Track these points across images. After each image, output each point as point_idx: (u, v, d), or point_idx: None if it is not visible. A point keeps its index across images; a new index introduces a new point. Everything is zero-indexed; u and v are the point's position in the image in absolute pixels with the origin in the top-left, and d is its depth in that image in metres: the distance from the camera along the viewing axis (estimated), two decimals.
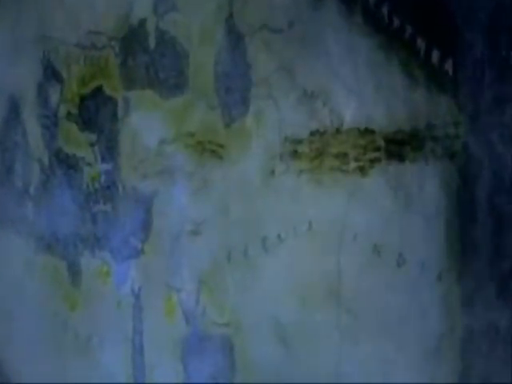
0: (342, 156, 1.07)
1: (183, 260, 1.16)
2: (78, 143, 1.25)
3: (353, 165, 1.06)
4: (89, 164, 1.24)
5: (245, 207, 1.14)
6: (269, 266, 1.10)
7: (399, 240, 0.98)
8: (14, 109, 1.31)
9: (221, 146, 1.17)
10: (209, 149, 1.19)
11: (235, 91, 1.13)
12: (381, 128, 1.01)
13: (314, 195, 1.07)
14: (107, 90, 1.20)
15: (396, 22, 0.93)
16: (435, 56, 0.92)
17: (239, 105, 1.14)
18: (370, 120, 1.03)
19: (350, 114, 1.06)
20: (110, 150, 1.22)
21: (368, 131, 1.05)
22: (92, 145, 1.24)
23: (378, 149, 1.04)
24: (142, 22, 1.15)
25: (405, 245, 0.98)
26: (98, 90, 1.21)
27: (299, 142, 1.10)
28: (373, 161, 1.05)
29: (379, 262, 1.04)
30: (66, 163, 1.26)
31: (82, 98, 1.23)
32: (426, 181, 0.99)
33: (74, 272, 1.27)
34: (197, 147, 1.21)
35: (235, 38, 1.07)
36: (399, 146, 1.08)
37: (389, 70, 0.99)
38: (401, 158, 1.07)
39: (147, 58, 1.15)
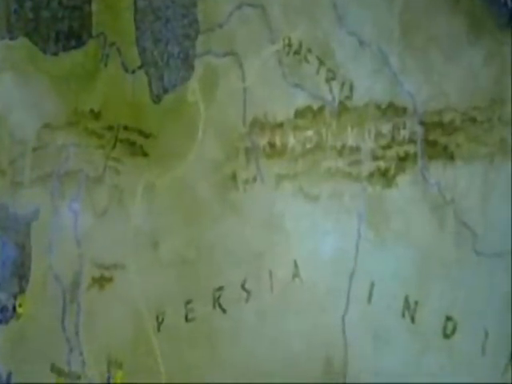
0: (350, 151, 1.02)
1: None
2: None
3: (368, 166, 1.02)
4: None
5: (185, 241, 1.16)
6: (229, 335, 1.12)
7: (451, 300, 0.95)
8: None
9: (146, 134, 1.19)
10: (126, 139, 1.21)
11: (170, 43, 1.13)
12: (416, 104, 0.97)
13: (303, 219, 1.07)
14: None
15: None
16: None
17: (176, 66, 1.14)
18: (399, 91, 0.98)
19: (363, 81, 1.01)
20: None
21: (395, 109, 0.99)
22: None
23: (411, 139, 0.97)
24: None
25: (460, 308, 0.95)
26: None
27: (278, 127, 1.09)
28: (403, 159, 0.98)
29: (415, 331, 0.98)
30: None
31: None
32: (494, 193, 0.94)
33: None
34: (105, 136, 1.23)
35: None
36: (447, 135, 0.95)
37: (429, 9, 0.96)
38: (448, 155, 0.95)
39: None
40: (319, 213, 1.07)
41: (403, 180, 1.00)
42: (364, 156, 1.03)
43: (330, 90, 1.05)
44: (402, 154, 1.00)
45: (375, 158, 1.02)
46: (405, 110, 1.00)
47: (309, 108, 1.07)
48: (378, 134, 1.02)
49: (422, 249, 0.98)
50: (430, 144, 0.99)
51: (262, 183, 1.11)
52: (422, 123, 0.98)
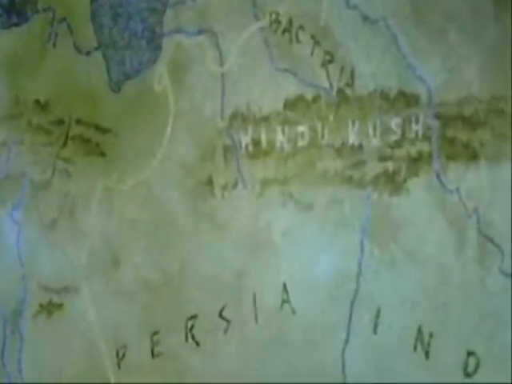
0: (351, 150, 1.00)
1: None
2: None
3: (373, 168, 1.00)
4: None
5: (151, 260, 1.14)
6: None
7: (473, 331, 0.94)
8: None
9: (104, 130, 1.16)
10: (79, 136, 1.19)
11: (132, 19, 1.11)
12: (431, 93, 0.95)
13: (295, 233, 1.03)
14: None
15: None
16: None
17: (140, 47, 1.11)
18: (410, 77, 0.97)
19: (367, 65, 0.99)
20: None
21: (405, 99, 0.97)
22: None
23: (425, 136, 0.95)
24: None
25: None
26: None
27: (263, 121, 1.06)
28: (415, 160, 0.96)
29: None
30: None
31: None
32: None
33: None
34: (54, 132, 1.21)
35: None
36: (469, 130, 0.93)
37: None
38: (470, 155, 0.93)
39: None
40: (314, 225, 1.05)
41: (415, 185, 0.98)
42: (368, 156, 1.01)
43: (327, 76, 1.03)
44: (414, 153, 0.98)
45: (381, 158, 1.00)
46: (417, 99, 0.98)
47: (301, 98, 1.05)
48: (385, 130, 1.00)
49: (437, 269, 0.97)
50: (448, 141, 0.97)
51: (244, 189, 1.09)
52: (438, 116, 0.96)
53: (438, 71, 0.95)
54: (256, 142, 1.06)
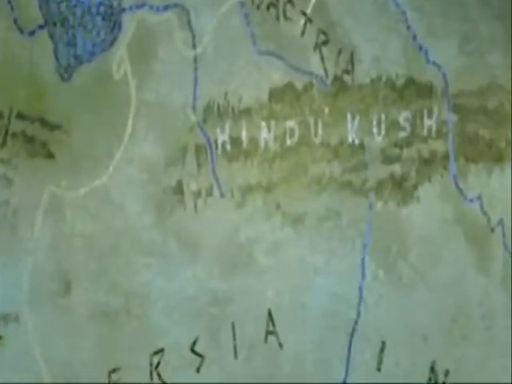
0: (351, 150, 1.01)
1: None
2: None
3: (377, 172, 1.01)
4: None
5: (108, 283, 1.10)
6: None
7: (497, 369, 0.96)
8: None
9: (51, 125, 1.12)
10: (22, 133, 1.14)
11: None
12: (448, 81, 0.97)
13: (282, 251, 1.04)
14: None
15: None
16: None
17: (95, 25, 1.10)
18: (421, 62, 0.98)
19: (370, 46, 1.00)
20: None
21: (416, 88, 0.99)
22: None
23: (440, 133, 0.97)
24: None
25: None
26: None
27: (244, 114, 1.05)
28: (427, 162, 0.99)
29: None
30: None
31: None
32: None
33: None
34: None
35: None
36: (493, 126, 0.96)
37: None
38: (495, 156, 0.97)
39: None
40: (305, 241, 1.04)
41: (428, 193, 1.00)
42: (370, 157, 1.02)
43: (321, 61, 1.02)
44: (426, 154, 1.00)
45: (387, 159, 1.01)
46: (430, 88, 0.99)
47: (289, 87, 1.05)
48: (392, 125, 1.01)
49: (455, 295, 0.98)
50: (468, 139, 1.00)
51: (220, 198, 1.08)
52: (455, 109, 0.99)
53: (455, 54, 0.98)
54: (235, 141, 1.06)
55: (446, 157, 0.96)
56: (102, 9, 1.08)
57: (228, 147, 1.07)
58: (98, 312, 1.10)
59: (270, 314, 1.06)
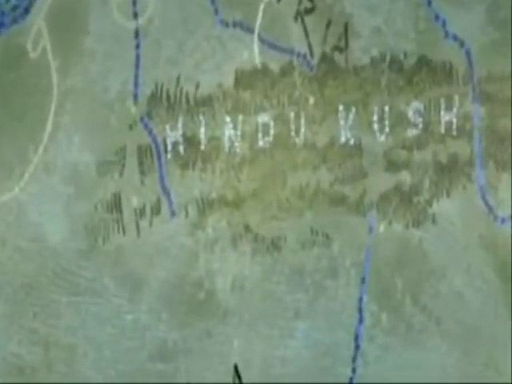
0: (344, 153, 0.97)
1: None
2: None
3: (379, 182, 0.96)
4: None
5: (24, 333, 1.05)
6: None
7: None
8: None
9: None
10: None
11: None
12: (472, 62, 0.92)
13: (252, 287, 1.00)
14: None
15: None
16: None
17: None
18: (438, 36, 0.93)
19: (368, 16, 0.95)
20: None
21: (430, 70, 0.93)
22: None
23: (463, 130, 0.92)
24: None
25: None
26: None
27: (202, 105, 1.00)
28: (447, 168, 0.94)
29: None
30: None
31: None
32: None
33: None
34: None
35: None
36: None
37: None
38: None
39: None
40: (283, 275, 1.00)
41: (446, 210, 0.96)
42: (370, 163, 0.97)
43: (305, 35, 0.98)
44: (443, 158, 0.94)
45: (392, 166, 0.97)
46: (449, 71, 0.94)
47: (262, 69, 1.01)
48: (398, 121, 0.96)
49: (481, 344, 0.94)
50: (500, 139, 0.93)
51: (171, 217, 1.03)
52: (483, 98, 0.93)
53: (481, 26, 0.93)
54: (191, 141, 1.01)
55: (470, 162, 0.92)
56: None
57: (181, 149, 1.03)
58: (9, 367, 1.06)
59: (236, 370, 1.02)
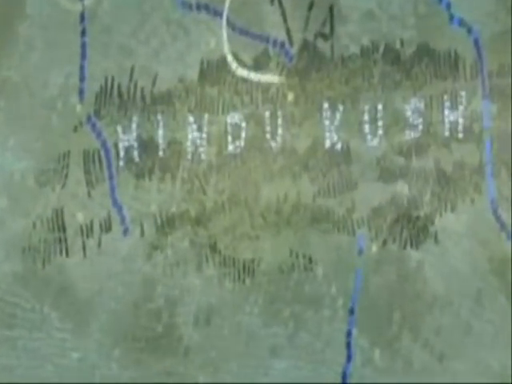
0: (330, 159, 0.95)
1: None
2: None
3: (371, 194, 0.95)
4: None
5: None
6: None
7: None
8: None
9: None
10: None
11: None
12: (480, 50, 0.91)
13: (220, 321, 0.98)
14: None
15: None
16: None
17: None
18: (440, 22, 0.92)
19: (360, 2, 0.94)
20: None
21: (431, 60, 0.92)
22: None
23: (471, 131, 0.92)
24: None
25: None
26: None
27: (160, 103, 0.98)
28: (451, 178, 0.94)
29: None
30: None
31: None
32: None
33: None
34: None
35: None
36: None
37: None
38: None
39: None
40: (257, 304, 0.95)
41: (451, 227, 0.92)
42: (361, 171, 0.93)
43: (283, 18, 0.94)
44: (448, 166, 0.91)
45: (387, 175, 0.93)
46: (455, 62, 0.91)
47: (233, 60, 0.96)
48: (394, 121, 0.93)
49: None
50: None
51: (124, 236, 0.97)
52: (494, 94, 0.90)
53: (492, 10, 0.89)
54: (147, 145, 0.97)
55: (479, 170, 0.88)
56: None
57: (135, 155, 0.98)
58: None
59: None
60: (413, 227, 0.90)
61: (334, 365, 0.93)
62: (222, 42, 0.94)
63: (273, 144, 0.93)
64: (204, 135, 0.95)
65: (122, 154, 0.97)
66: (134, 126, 0.96)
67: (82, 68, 0.97)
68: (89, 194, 0.97)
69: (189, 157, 0.95)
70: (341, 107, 0.91)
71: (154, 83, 0.96)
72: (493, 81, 0.88)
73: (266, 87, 0.94)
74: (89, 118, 0.97)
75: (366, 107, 0.90)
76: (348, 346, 0.92)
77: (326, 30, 0.91)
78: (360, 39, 0.90)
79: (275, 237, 0.93)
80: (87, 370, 0.98)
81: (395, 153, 0.90)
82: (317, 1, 0.92)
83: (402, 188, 0.90)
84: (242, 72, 0.97)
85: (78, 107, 0.97)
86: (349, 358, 0.92)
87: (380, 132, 0.90)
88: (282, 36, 0.93)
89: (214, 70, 0.95)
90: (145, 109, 0.97)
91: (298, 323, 0.93)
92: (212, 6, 0.95)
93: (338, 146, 0.91)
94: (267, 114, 0.93)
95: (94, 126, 0.97)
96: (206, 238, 0.95)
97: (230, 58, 0.95)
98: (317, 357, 0.93)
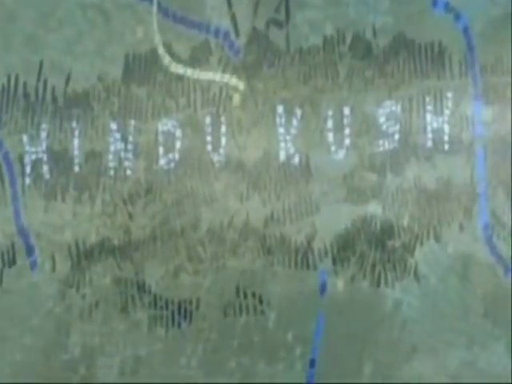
0: (286, 174, 0.89)
1: None
2: None
3: (335, 219, 0.88)
4: None
5: None
6: None
7: None
8: None
9: None
10: None
11: None
12: (471, 42, 0.87)
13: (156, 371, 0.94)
14: None
15: None
16: None
17: None
18: (423, 6, 0.87)
19: None
20: None
21: (410, 54, 0.87)
22: None
23: (459, 141, 0.89)
24: None
25: None
26: None
27: (75, 106, 0.89)
28: (435, 198, 0.88)
29: None
30: None
31: None
32: None
33: None
34: None
35: None
36: None
37: None
38: None
39: None
40: (195, 356, 0.87)
41: (435, 259, 0.85)
42: (324, 190, 0.84)
43: (228, 4, 0.86)
44: (430, 183, 0.84)
45: (356, 195, 0.84)
46: (440, 56, 0.84)
47: (165, 54, 0.86)
48: (365, 128, 0.84)
49: None
50: None
51: (31, 270, 0.87)
52: (488, 95, 0.82)
53: None
54: (59, 157, 0.87)
55: (469, 190, 0.81)
56: None
57: (45, 171, 0.88)
58: None
59: None
60: (388, 259, 0.80)
61: None
62: (151, 31, 0.84)
63: (215, 157, 0.83)
64: (130, 146, 0.85)
65: (28, 169, 0.86)
66: (43, 134, 0.87)
67: None
68: None
69: (111, 173, 0.85)
70: (298, 111, 0.82)
71: (67, 82, 0.86)
72: (487, 78, 0.78)
73: (206, 87, 0.84)
74: None
75: (330, 112, 0.81)
76: None
77: (281, 16, 0.82)
78: (322, 27, 0.81)
79: (218, 271, 0.83)
80: None
81: (366, 168, 0.81)
82: None
83: (375, 211, 0.81)
84: (176, 68, 0.85)
85: None
86: None
87: (347, 142, 0.81)
88: (226, 24, 0.83)
89: (141, 66, 0.85)
90: (56, 113, 0.87)
91: (245, 378, 0.83)
92: None
93: (296, 160, 0.82)
94: (208, 119, 0.83)
95: None
96: (133, 273, 0.85)
97: (161, 50, 0.84)
98: None
